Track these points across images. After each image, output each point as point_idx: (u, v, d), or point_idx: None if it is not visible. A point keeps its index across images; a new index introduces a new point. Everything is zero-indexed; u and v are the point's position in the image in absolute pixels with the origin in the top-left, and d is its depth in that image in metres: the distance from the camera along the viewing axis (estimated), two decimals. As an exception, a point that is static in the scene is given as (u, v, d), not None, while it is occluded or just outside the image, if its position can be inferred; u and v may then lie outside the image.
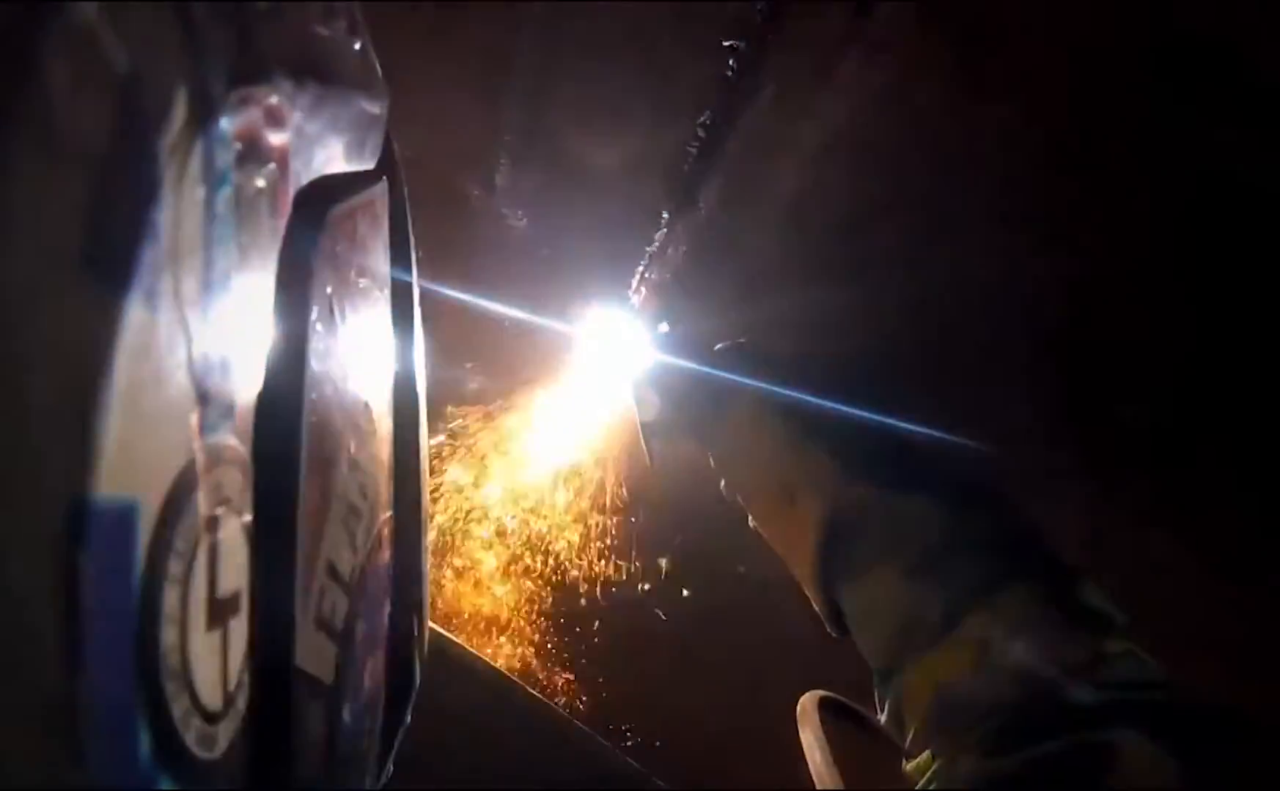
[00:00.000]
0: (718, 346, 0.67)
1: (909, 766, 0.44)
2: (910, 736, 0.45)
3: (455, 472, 1.06)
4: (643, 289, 0.83)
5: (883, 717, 0.48)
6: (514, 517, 1.12)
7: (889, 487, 0.50)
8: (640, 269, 0.81)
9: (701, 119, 0.64)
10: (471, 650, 0.85)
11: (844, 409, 0.56)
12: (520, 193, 0.75)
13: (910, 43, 0.53)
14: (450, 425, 1.02)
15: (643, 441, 0.72)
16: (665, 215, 0.75)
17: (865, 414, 0.56)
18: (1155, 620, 0.67)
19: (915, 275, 0.69)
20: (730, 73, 0.60)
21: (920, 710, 0.44)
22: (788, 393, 0.57)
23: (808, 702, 0.63)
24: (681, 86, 0.62)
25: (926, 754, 0.42)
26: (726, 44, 0.58)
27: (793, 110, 0.60)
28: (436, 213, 0.77)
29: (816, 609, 0.54)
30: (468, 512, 1.10)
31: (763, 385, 0.59)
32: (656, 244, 0.78)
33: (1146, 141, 0.52)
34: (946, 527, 0.48)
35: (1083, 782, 0.35)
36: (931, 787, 0.40)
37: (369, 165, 0.25)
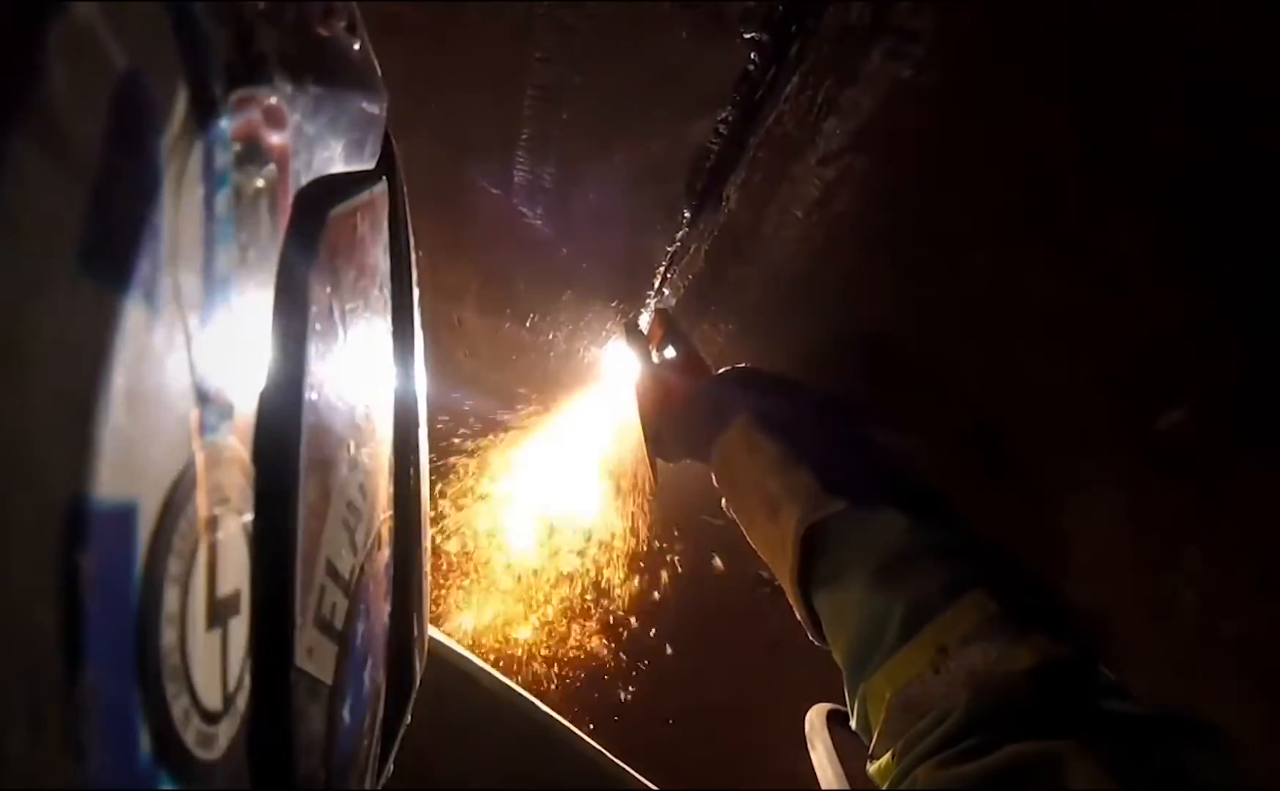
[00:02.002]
0: (720, 371, 0.69)
1: (871, 769, 0.44)
2: (874, 740, 0.45)
3: (461, 475, 1.06)
4: (664, 291, 0.83)
5: (853, 722, 0.48)
6: (525, 523, 1.12)
7: (863, 502, 0.52)
8: (661, 268, 0.81)
9: (722, 115, 0.63)
10: (465, 652, 0.86)
11: (828, 430, 0.58)
12: (538, 190, 0.75)
13: (939, 33, 0.52)
14: (460, 427, 1.02)
15: (646, 458, 0.73)
16: (686, 214, 0.74)
17: (848, 434, 0.58)
18: (1189, 633, 0.65)
19: (942, 276, 0.67)
20: (752, 67, 0.59)
21: (881, 712, 0.45)
22: (779, 416, 0.59)
23: (815, 717, 0.63)
24: (702, 81, 0.61)
25: (888, 757, 0.43)
26: (748, 37, 0.57)
27: (817, 104, 0.59)
28: (452, 211, 0.78)
29: (798, 617, 0.55)
30: (476, 517, 1.10)
31: (756, 409, 0.60)
32: (678, 242, 0.77)
33: (1182, 137, 0.50)
34: (912, 538, 0.49)
35: None
36: None
37: (369, 165, 0.25)
